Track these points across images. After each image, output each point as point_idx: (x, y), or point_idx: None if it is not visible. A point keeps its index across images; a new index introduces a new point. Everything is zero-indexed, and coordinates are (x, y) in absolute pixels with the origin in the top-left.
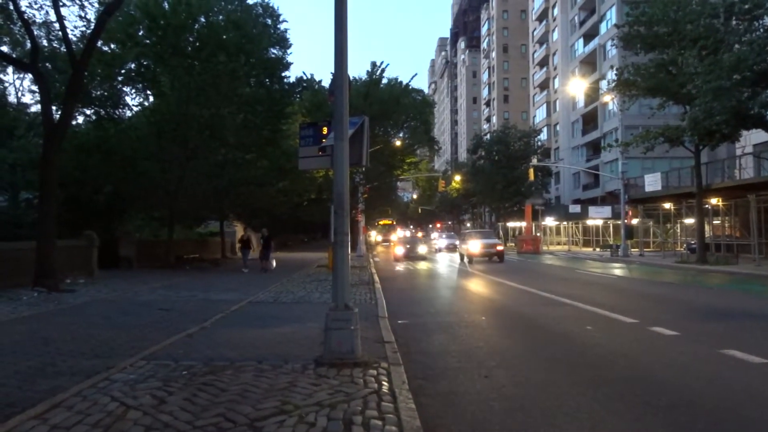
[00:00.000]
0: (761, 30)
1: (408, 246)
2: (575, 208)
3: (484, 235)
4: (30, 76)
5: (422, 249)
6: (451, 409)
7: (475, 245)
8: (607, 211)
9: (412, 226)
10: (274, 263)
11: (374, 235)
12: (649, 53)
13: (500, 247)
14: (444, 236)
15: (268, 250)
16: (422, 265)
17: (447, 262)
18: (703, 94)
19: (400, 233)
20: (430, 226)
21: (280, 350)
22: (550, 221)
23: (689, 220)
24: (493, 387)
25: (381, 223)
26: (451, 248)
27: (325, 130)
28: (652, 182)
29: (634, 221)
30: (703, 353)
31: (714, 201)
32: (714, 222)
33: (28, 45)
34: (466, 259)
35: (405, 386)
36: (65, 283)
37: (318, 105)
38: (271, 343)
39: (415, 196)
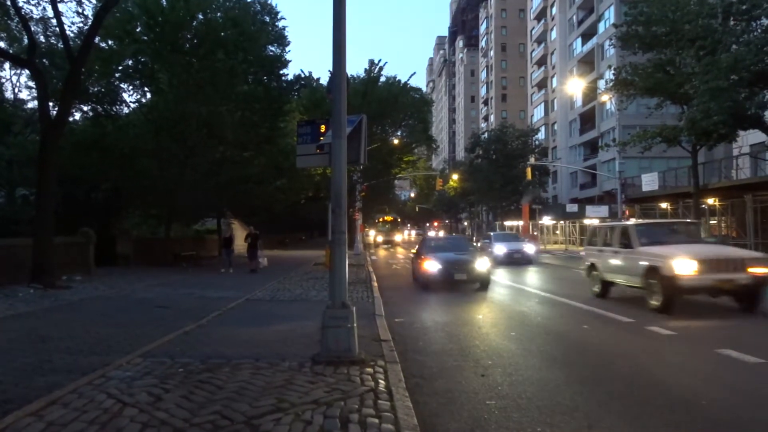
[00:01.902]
0: (759, 30)
1: (453, 262)
2: (572, 208)
3: (687, 232)
4: (27, 72)
5: (483, 264)
6: (448, 408)
7: (685, 266)
8: (604, 210)
9: (415, 225)
10: (266, 261)
11: (373, 235)
12: (647, 53)
13: (761, 270)
14: (501, 239)
15: (255, 249)
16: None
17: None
18: (700, 95)
19: (405, 233)
20: (427, 224)
21: (277, 348)
22: (547, 220)
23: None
24: (489, 386)
25: (382, 220)
26: (518, 258)
27: (323, 128)
28: (650, 182)
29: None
30: (699, 353)
31: (711, 201)
32: (711, 222)
33: (26, 41)
34: (654, 301)
35: (402, 384)
36: (62, 280)
37: (316, 103)
38: (268, 341)
39: (412, 195)
